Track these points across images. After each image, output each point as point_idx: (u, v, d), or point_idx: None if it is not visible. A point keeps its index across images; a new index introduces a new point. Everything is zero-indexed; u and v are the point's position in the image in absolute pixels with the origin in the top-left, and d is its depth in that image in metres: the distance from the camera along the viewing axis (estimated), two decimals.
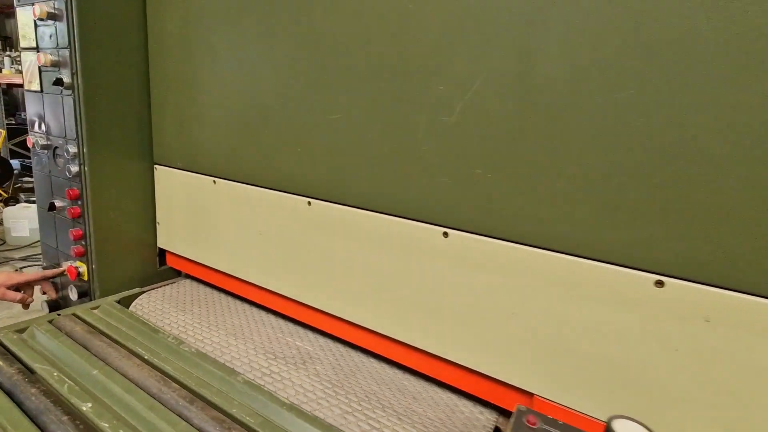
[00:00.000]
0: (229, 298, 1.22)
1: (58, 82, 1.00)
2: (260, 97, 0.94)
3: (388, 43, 0.75)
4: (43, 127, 1.13)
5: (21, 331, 0.96)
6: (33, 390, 0.75)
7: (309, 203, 0.91)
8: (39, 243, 3.16)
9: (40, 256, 3.01)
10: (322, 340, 1.04)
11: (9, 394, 0.75)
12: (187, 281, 1.32)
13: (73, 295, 1.15)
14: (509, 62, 0.64)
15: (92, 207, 1.08)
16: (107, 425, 0.70)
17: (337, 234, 0.88)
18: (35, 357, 0.86)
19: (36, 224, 3.41)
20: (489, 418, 0.82)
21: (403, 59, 0.74)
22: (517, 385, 0.72)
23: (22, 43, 1.11)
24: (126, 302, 1.17)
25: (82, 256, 1.12)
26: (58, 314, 1.03)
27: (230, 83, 0.98)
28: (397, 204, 0.79)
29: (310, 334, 1.06)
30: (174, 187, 1.17)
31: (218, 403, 0.78)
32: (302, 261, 0.95)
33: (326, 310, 0.94)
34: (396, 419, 0.77)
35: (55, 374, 0.81)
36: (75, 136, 1.05)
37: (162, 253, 1.29)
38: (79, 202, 1.09)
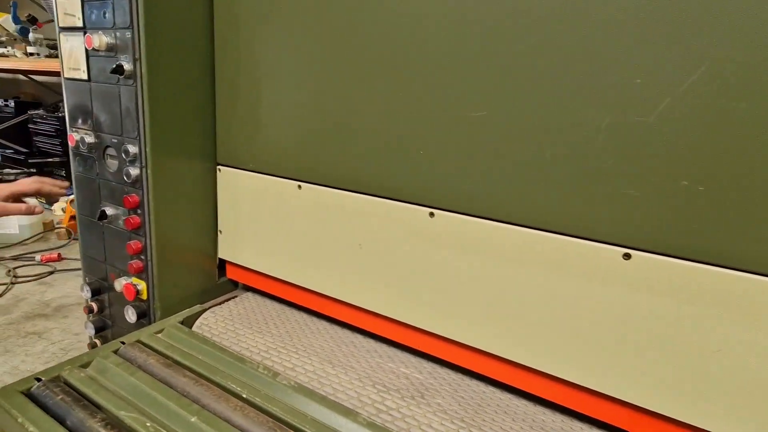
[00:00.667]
0: (305, 315, 1.09)
1: (118, 69, 0.84)
2: (370, 90, 0.80)
3: (561, 18, 0.62)
4: (89, 122, 0.96)
5: (85, 365, 0.82)
6: None
7: (431, 214, 0.78)
8: (29, 241, 2.93)
9: (34, 255, 2.78)
10: (428, 365, 0.92)
11: None
12: (250, 295, 1.19)
13: (131, 317, 1.00)
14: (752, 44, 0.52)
15: (154, 216, 0.93)
16: None
17: (467, 250, 0.76)
18: (116, 402, 0.72)
19: (25, 221, 3.15)
20: None
21: (580, 42, 0.61)
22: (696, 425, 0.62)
23: (63, 22, 0.93)
24: (189, 322, 1.03)
25: (141, 272, 0.97)
26: (122, 342, 0.89)
27: (327, 70, 0.84)
28: (555, 219, 0.67)
29: (413, 359, 0.94)
30: (243, 192, 1.03)
31: None
32: (416, 278, 0.82)
33: (441, 333, 0.82)
34: None
35: (148, 424, 0.68)
36: (135, 133, 0.89)
37: (221, 264, 1.15)
38: (139, 211, 0.94)
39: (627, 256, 0.63)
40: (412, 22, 0.73)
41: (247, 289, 1.23)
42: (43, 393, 0.72)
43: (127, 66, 0.84)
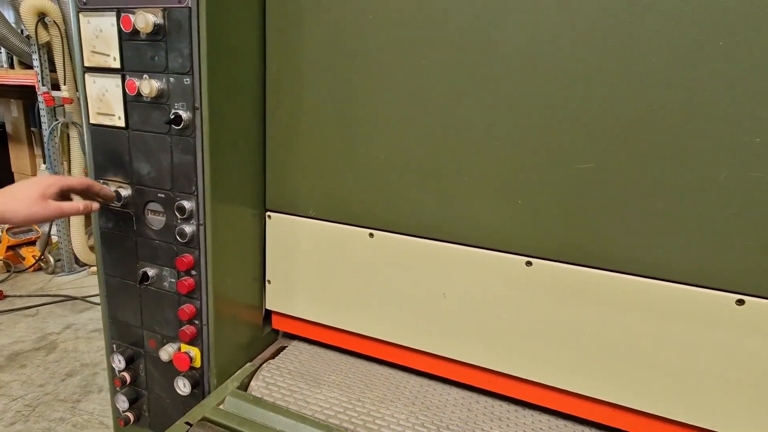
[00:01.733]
0: (372, 365, 1.04)
1: (176, 120, 0.74)
2: (458, 136, 0.77)
3: (679, 65, 0.63)
4: (124, 174, 0.85)
5: None
6: None
7: (529, 263, 0.77)
8: None
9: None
10: (536, 415, 0.91)
11: None
12: (298, 344, 1.11)
13: (183, 389, 0.89)
14: None
15: (213, 277, 0.84)
16: None
17: (568, 299, 0.76)
18: None
19: None
20: None
21: (701, 92, 0.63)
22: None
23: (90, 61, 0.81)
24: (244, 385, 0.94)
25: (195, 338, 0.87)
26: (189, 424, 0.79)
27: (409, 115, 0.80)
28: (663, 268, 0.69)
29: (520, 410, 0.92)
30: (299, 239, 0.95)
31: None
32: (512, 327, 0.81)
33: (542, 382, 0.82)
34: None
35: None
36: (192, 188, 0.79)
37: (266, 315, 1.07)
38: (194, 272, 0.84)
39: (741, 303, 0.66)
40: (518, 65, 0.72)
41: (290, 337, 1.15)
42: None
43: (185, 115, 0.75)
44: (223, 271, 0.86)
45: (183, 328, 0.87)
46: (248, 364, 1.00)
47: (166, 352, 0.89)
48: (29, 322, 2.91)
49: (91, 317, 2.86)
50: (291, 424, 0.81)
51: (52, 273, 3.33)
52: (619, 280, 0.72)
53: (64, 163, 3.21)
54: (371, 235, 0.88)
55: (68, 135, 3.12)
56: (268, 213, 0.97)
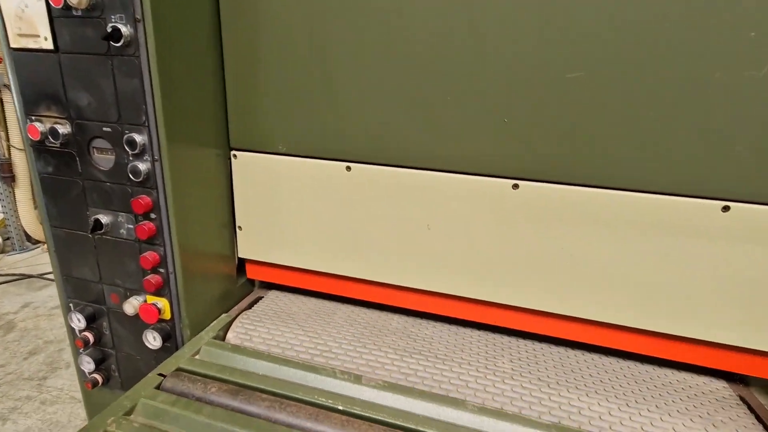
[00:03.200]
0: (355, 307, 1.00)
1: (114, 35, 0.64)
2: (439, 54, 0.71)
3: None
4: (60, 107, 0.73)
5: (129, 412, 0.66)
6: None
7: (515, 186, 0.74)
8: None
9: None
10: (506, 339, 0.91)
11: None
12: (277, 293, 1.06)
13: (154, 342, 0.83)
14: None
15: (175, 219, 0.76)
16: None
17: (556, 220, 0.74)
18: None
19: None
20: (724, 387, 0.81)
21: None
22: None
23: None
24: (221, 336, 0.89)
25: (161, 288, 0.80)
26: (161, 375, 0.74)
27: (388, 35, 0.72)
28: (652, 180, 0.67)
29: (496, 336, 0.92)
30: (268, 180, 0.88)
31: None
32: (496, 254, 0.79)
33: (529, 306, 0.81)
34: (653, 412, 0.71)
35: None
36: (142, 118, 0.70)
37: (239, 264, 1.00)
38: (153, 215, 0.76)
39: (726, 209, 0.66)
40: None
41: (267, 287, 1.09)
42: None
43: (125, 30, 0.65)
44: (186, 214, 0.79)
45: (147, 277, 0.79)
46: (224, 315, 0.94)
47: (131, 306, 0.82)
48: None
49: (51, 294, 2.70)
50: (274, 368, 0.78)
51: (2, 252, 3.10)
52: (609, 196, 0.70)
53: (1, 132, 2.91)
54: (348, 168, 0.82)
55: (1, 100, 2.81)
56: (233, 152, 0.89)
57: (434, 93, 0.73)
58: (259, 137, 0.86)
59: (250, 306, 1.00)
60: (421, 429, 0.65)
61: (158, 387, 0.72)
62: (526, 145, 0.71)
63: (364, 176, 0.82)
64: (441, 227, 0.80)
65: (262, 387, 0.72)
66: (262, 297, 1.04)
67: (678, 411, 0.73)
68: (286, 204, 0.89)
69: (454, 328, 0.94)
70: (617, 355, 0.87)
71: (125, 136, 0.71)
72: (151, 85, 0.68)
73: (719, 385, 0.80)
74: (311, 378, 0.76)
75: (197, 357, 0.81)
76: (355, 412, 0.68)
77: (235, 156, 0.89)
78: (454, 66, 0.71)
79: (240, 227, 0.94)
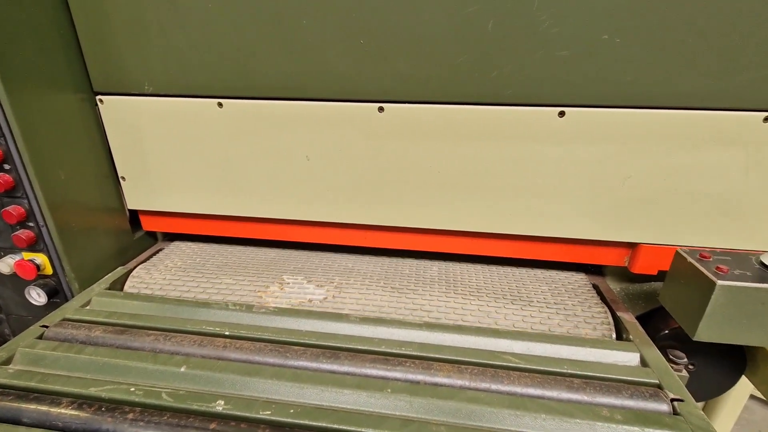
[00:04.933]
0: (245, 247, 1.02)
1: None
2: None
3: None
4: None
5: (7, 362, 0.66)
6: (129, 416, 0.55)
7: (381, 109, 0.76)
8: None
9: None
10: (404, 260, 0.97)
11: None
12: (178, 243, 1.05)
13: (39, 297, 0.81)
14: None
15: (33, 168, 0.72)
16: (268, 413, 0.56)
17: (418, 138, 0.77)
18: (76, 381, 0.61)
19: None
20: (582, 277, 0.92)
21: None
22: (623, 240, 0.80)
23: None
24: (117, 287, 0.89)
25: (34, 243, 0.78)
26: (45, 326, 0.73)
27: None
28: (502, 89, 0.72)
29: (389, 259, 0.98)
30: (141, 124, 0.85)
31: (362, 347, 0.69)
32: (374, 178, 0.82)
33: (408, 225, 0.86)
34: (510, 302, 0.81)
35: (133, 389, 0.60)
36: None
37: (133, 217, 0.98)
38: (7, 166, 0.72)
39: (562, 114, 0.72)
40: None
41: (172, 238, 1.09)
42: None
43: None
44: (48, 164, 0.75)
45: (16, 233, 0.76)
46: (119, 267, 0.93)
47: (6, 264, 0.79)
48: None
49: None
50: (166, 308, 0.79)
51: None
52: (463, 111, 0.74)
53: None
54: (220, 105, 0.81)
55: None
56: (98, 97, 0.84)
57: (291, 17, 0.72)
58: (123, 78, 0.81)
59: (149, 258, 0.99)
60: (303, 341, 0.70)
61: (41, 337, 0.72)
62: (387, 67, 0.73)
63: (237, 111, 0.81)
64: (318, 156, 0.82)
65: (150, 325, 0.74)
66: (163, 248, 1.03)
67: (537, 301, 0.82)
68: (164, 148, 0.87)
69: (336, 254, 0.99)
70: (493, 262, 0.96)
71: None
72: None
73: (578, 277, 0.91)
74: (203, 312, 0.78)
75: (89, 308, 0.81)
76: (241, 335, 0.72)
77: (101, 101, 0.84)
78: None
79: (123, 178, 0.92)
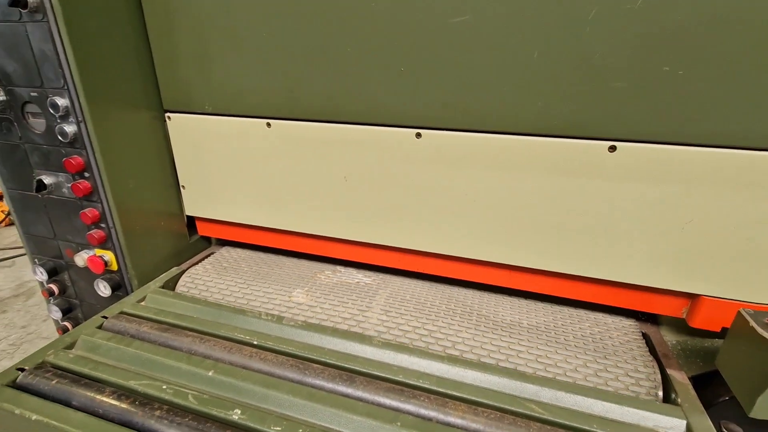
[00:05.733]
0: (289, 259, 1.07)
1: (20, 1, 0.68)
2: (337, 7, 0.72)
3: None
4: None
5: (70, 347, 0.75)
6: (156, 412, 0.60)
7: (418, 135, 0.76)
8: None
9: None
10: (436, 286, 0.96)
11: (129, 425, 0.59)
12: (227, 248, 1.13)
13: (104, 290, 0.92)
14: None
15: (107, 176, 0.82)
16: (278, 429, 0.58)
17: (456, 166, 0.76)
18: (121, 373, 0.68)
19: None
20: (632, 323, 0.83)
21: None
22: (681, 290, 0.72)
23: None
24: (170, 286, 0.97)
25: (104, 241, 0.88)
26: (104, 317, 0.82)
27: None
28: (548, 121, 0.68)
29: (422, 283, 0.97)
30: (201, 139, 0.93)
31: (378, 373, 0.69)
32: (409, 203, 0.82)
33: (442, 252, 0.85)
34: (551, 345, 0.75)
35: (164, 387, 0.65)
36: (61, 82, 0.75)
37: (190, 222, 1.07)
38: (87, 174, 0.82)
39: (612, 149, 0.66)
40: None
41: (223, 243, 1.17)
42: (33, 381, 0.66)
43: None
44: (120, 174, 0.85)
45: (90, 232, 0.87)
46: (174, 268, 1.02)
47: (81, 258, 0.90)
48: (6, 273, 2.95)
49: None
50: (207, 311, 0.85)
51: None
52: (506, 141, 0.71)
53: None
54: (268, 125, 0.86)
55: None
56: (167, 114, 0.93)
57: (336, 47, 0.74)
58: (188, 99, 0.90)
59: (200, 261, 1.07)
60: (323, 359, 0.72)
61: (100, 327, 0.81)
62: (425, 93, 0.73)
63: (283, 131, 0.85)
64: (356, 177, 0.84)
65: (190, 326, 0.80)
66: (214, 252, 1.11)
67: (576, 345, 0.76)
68: (219, 162, 0.94)
69: (372, 274, 0.99)
70: (534, 297, 0.91)
71: (48, 100, 0.76)
72: (64, 50, 0.72)
73: (627, 323, 0.83)
74: (239, 319, 0.83)
75: (143, 303, 0.90)
76: (268, 345, 0.75)
77: (169, 118, 0.93)
78: (345, 17, 0.72)
79: (183, 186, 1.00)
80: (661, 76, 0.60)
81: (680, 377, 0.69)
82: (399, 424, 0.58)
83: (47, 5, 0.70)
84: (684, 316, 0.75)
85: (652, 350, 0.76)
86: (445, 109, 0.73)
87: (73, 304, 1.01)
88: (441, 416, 0.61)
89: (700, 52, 0.58)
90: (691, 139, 0.62)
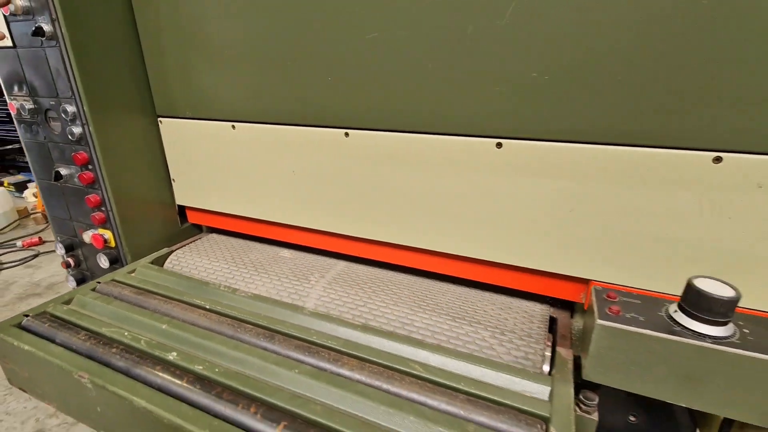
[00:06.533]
0: (264, 245, 1.22)
1: (38, 31, 0.89)
2: (280, 28, 0.87)
3: None
4: (25, 88, 1.02)
5: (67, 302, 0.94)
6: (113, 350, 0.76)
7: (346, 134, 0.89)
8: (7, 229, 3.01)
9: (14, 242, 2.86)
10: (379, 270, 1.07)
11: (91, 357, 0.76)
12: (212, 235, 1.31)
13: (104, 262, 1.12)
14: None
15: (105, 170, 1.02)
16: (200, 368, 0.72)
17: (379, 161, 0.87)
18: (97, 322, 0.85)
19: (6, 206, 3.21)
20: (543, 308, 0.90)
21: None
22: (575, 275, 0.78)
23: None
24: (159, 263, 1.15)
25: (104, 222, 1.08)
26: (98, 282, 1.01)
27: (242, 17, 0.90)
28: (446, 121, 0.78)
29: (352, 265, 1.08)
30: (185, 139, 1.11)
31: (296, 334, 0.81)
32: (342, 193, 0.94)
33: (367, 237, 0.96)
34: (459, 322, 0.83)
35: (126, 333, 0.81)
36: (69, 93, 0.95)
37: (182, 211, 1.26)
38: (90, 167, 1.02)
39: (499, 145, 0.75)
40: None
41: (212, 230, 1.34)
42: (32, 324, 0.85)
43: (47, 27, 0.89)
44: (117, 167, 1.04)
45: (93, 214, 1.07)
46: (165, 248, 1.20)
47: (87, 235, 1.10)
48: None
49: None
50: (181, 282, 1.02)
51: None
52: (399, 139, 0.82)
53: None
54: (233, 127, 1.02)
55: None
56: (159, 119, 1.12)
57: (291, 62, 0.89)
58: (174, 105, 1.08)
59: (188, 244, 1.25)
60: (256, 321, 0.85)
61: (93, 289, 0.99)
62: (352, 97, 0.85)
63: (245, 132, 1.01)
64: (301, 171, 0.97)
65: (160, 292, 0.97)
66: (201, 237, 1.29)
67: (479, 323, 0.84)
68: (200, 159, 1.11)
69: (323, 258, 1.11)
70: (465, 283, 0.99)
71: (61, 107, 0.97)
72: (72, 67, 0.92)
73: (539, 308, 0.89)
74: (202, 289, 0.99)
75: (133, 274, 1.08)
76: (216, 309, 0.90)
77: (161, 122, 1.12)
78: (291, 42, 0.86)
79: (174, 179, 1.19)
80: (532, 81, 0.69)
81: (565, 354, 0.75)
82: (297, 371, 0.70)
83: (59, 33, 0.90)
84: (582, 301, 0.81)
85: (554, 332, 0.82)
86: (367, 111, 0.85)
87: (86, 275, 1.22)
88: (334, 368, 0.72)
89: (562, 60, 0.66)
90: (565, 136, 0.70)
